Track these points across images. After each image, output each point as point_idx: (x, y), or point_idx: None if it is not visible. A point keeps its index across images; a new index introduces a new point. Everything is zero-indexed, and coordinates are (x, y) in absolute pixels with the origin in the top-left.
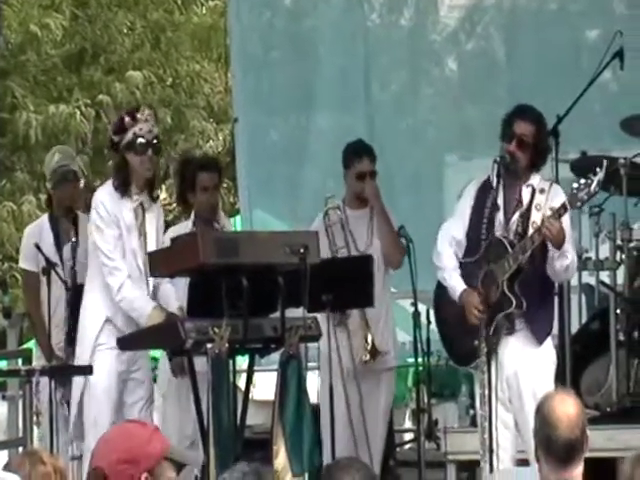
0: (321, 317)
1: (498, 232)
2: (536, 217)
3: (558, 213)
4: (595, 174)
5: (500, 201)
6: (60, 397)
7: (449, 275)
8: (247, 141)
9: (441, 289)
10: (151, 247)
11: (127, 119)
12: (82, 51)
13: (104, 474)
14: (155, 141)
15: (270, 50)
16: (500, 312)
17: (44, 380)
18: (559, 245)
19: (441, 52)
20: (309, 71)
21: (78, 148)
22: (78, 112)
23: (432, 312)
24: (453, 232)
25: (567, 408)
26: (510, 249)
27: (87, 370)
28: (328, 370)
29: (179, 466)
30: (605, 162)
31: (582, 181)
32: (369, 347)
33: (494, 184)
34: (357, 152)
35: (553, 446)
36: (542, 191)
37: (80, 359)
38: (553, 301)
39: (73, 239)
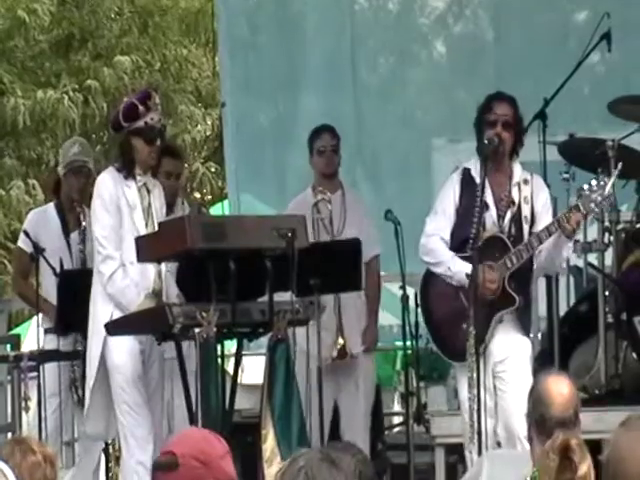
0: None
1: (491, 231)
2: (526, 211)
3: (575, 208)
4: (609, 175)
5: (490, 199)
6: (69, 382)
7: (452, 263)
8: (235, 125)
9: (426, 291)
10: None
11: (141, 108)
12: (70, 36)
13: (177, 462)
14: (162, 129)
15: (257, 34)
16: (501, 310)
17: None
18: (573, 235)
19: (429, 35)
20: (296, 55)
21: (66, 133)
22: (66, 97)
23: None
24: (441, 233)
25: (561, 388)
26: (511, 246)
27: (74, 355)
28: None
29: None
30: (619, 165)
31: (594, 182)
32: (338, 347)
33: (477, 178)
34: (317, 130)
35: (546, 425)
36: (526, 182)
37: (93, 345)
38: (531, 291)
39: (84, 223)
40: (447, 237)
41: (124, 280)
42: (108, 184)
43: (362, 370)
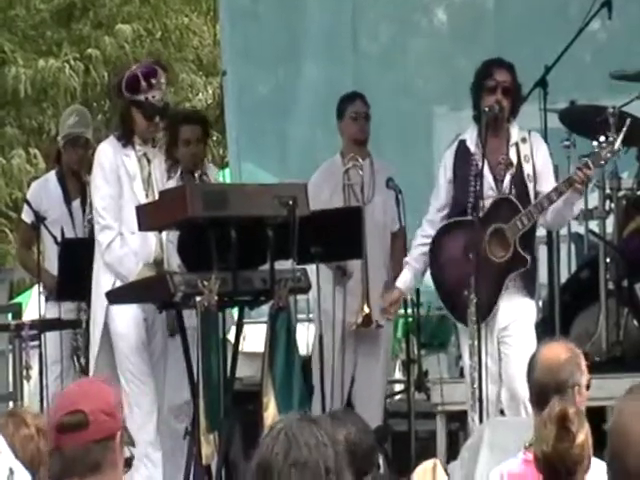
0: (323, 273)
1: (491, 198)
2: (528, 169)
3: (585, 166)
4: (619, 131)
5: (486, 168)
6: (72, 350)
7: (407, 264)
8: (236, 94)
9: (435, 250)
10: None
11: (143, 84)
12: (71, 5)
13: (87, 420)
14: (163, 107)
15: (258, 2)
16: (512, 271)
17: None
18: (583, 191)
19: (430, 3)
20: (297, 23)
21: (67, 102)
22: (67, 66)
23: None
24: (439, 217)
25: (548, 354)
26: (521, 208)
27: (75, 324)
28: (321, 324)
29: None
30: (629, 120)
31: (603, 139)
32: (363, 314)
33: (472, 147)
34: (349, 96)
35: (532, 391)
36: (524, 140)
37: (97, 315)
38: (536, 252)
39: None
40: (436, 218)
41: (122, 249)
42: (108, 154)
43: (384, 339)
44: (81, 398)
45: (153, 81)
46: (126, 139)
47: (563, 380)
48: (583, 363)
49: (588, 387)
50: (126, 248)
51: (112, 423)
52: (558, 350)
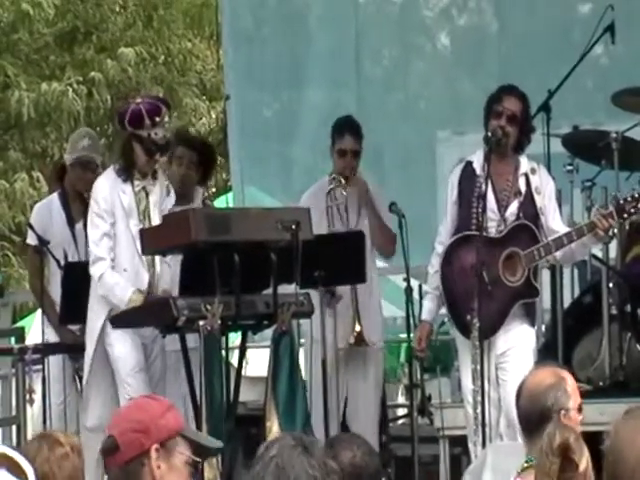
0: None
1: (493, 222)
2: (540, 202)
3: (610, 215)
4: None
5: (490, 192)
6: (73, 372)
7: (429, 294)
8: (239, 118)
9: (446, 263)
10: None
11: (147, 122)
12: (74, 29)
13: (116, 443)
14: (165, 144)
15: (261, 26)
16: (523, 299)
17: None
18: (602, 239)
19: (433, 27)
20: (300, 47)
21: (71, 126)
22: (70, 90)
23: (425, 287)
24: (443, 238)
25: (533, 381)
26: (540, 238)
27: (78, 348)
28: (319, 348)
29: (197, 447)
30: None
31: (629, 194)
32: (355, 333)
33: (478, 170)
34: (339, 128)
35: (518, 417)
36: (533, 171)
37: (88, 345)
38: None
39: None
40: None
41: (113, 278)
42: (104, 190)
43: (373, 360)
44: (117, 421)
45: (157, 119)
46: (126, 173)
47: (547, 407)
48: (570, 386)
49: (580, 410)
50: (117, 276)
51: (144, 439)
52: (542, 376)
